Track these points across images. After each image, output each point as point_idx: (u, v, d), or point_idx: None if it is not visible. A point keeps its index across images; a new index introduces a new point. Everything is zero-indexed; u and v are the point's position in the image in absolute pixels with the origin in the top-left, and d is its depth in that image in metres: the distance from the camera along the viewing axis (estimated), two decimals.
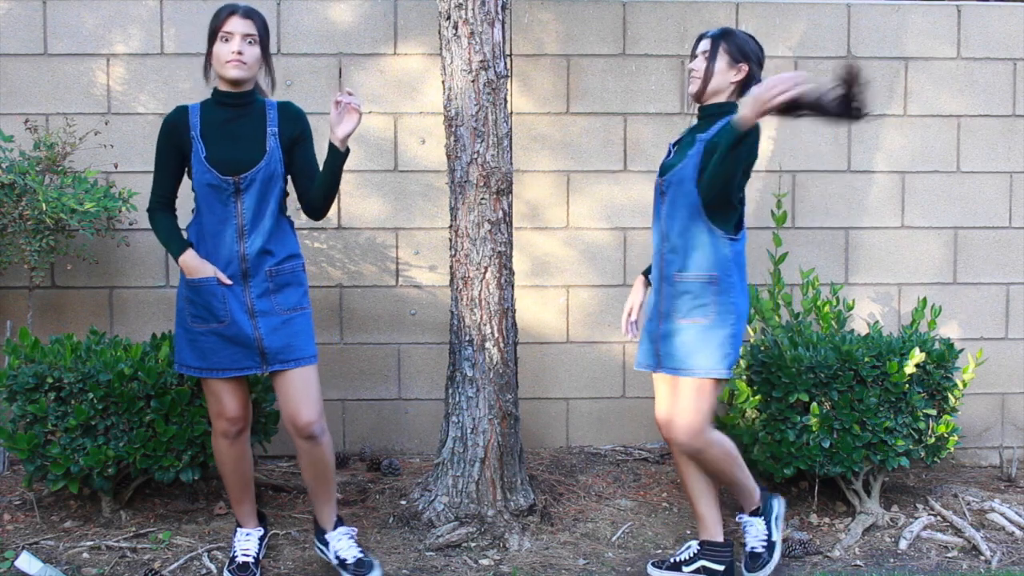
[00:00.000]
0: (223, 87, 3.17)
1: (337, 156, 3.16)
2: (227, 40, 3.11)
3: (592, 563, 3.49)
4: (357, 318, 4.44)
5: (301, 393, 3.17)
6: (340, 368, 4.44)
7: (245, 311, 3.13)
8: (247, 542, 3.32)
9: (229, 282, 3.12)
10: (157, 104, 4.35)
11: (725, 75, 3.15)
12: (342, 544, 3.29)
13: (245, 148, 3.14)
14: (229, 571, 3.27)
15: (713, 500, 3.32)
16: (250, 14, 3.14)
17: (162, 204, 3.24)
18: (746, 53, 3.16)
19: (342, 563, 3.26)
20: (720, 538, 3.30)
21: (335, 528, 3.33)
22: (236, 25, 3.11)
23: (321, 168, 3.22)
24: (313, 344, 3.22)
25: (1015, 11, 4.56)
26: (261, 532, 3.37)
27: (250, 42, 3.12)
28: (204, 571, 3.35)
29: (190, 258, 3.15)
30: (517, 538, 3.56)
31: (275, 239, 3.17)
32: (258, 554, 3.32)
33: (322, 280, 4.40)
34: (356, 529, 3.39)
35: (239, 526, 3.37)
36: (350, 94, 3.13)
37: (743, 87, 3.17)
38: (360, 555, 3.26)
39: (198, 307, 3.14)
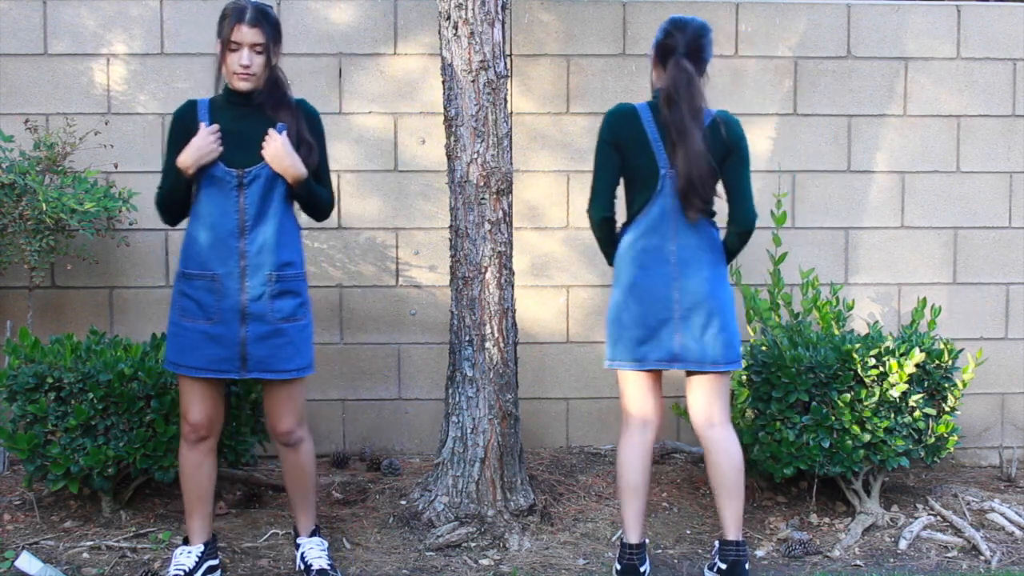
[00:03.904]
0: (233, 87, 3.14)
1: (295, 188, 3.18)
2: (235, 50, 3.06)
3: (592, 563, 3.49)
4: (357, 318, 4.44)
5: (281, 404, 3.19)
6: (340, 368, 4.44)
7: (237, 311, 3.08)
8: (184, 557, 3.19)
9: (214, 132, 3.07)
10: (157, 104, 4.35)
11: None
12: (312, 552, 3.28)
13: (252, 144, 3.11)
14: None
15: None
16: (257, 21, 3.06)
17: None
18: None
19: (307, 568, 3.26)
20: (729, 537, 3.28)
21: (310, 536, 3.33)
22: (244, 35, 3.05)
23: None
24: (302, 358, 3.16)
25: (1015, 11, 4.56)
26: (202, 549, 3.21)
27: (258, 51, 3.07)
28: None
29: (185, 150, 3.08)
30: (517, 538, 3.56)
31: (279, 242, 3.12)
32: (193, 569, 3.18)
33: (322, 280, 4.40)
34: (327, 542, 3.36)
35: (185, 541, 3.26)
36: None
37: None
38: (326, 566, 3.24)
39: (189, 301, 3.10)
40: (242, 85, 3.09)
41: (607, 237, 3.33)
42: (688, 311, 3.16)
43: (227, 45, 3.08)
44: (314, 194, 3.20)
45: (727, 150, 3.15)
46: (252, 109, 3.14)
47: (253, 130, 3.12)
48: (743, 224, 3.19)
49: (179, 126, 3.17)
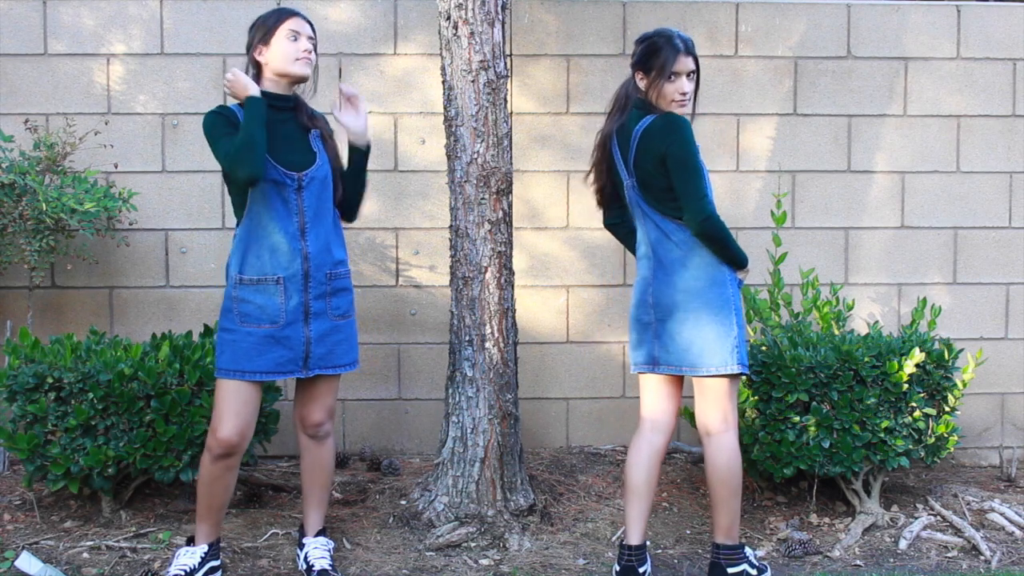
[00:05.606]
0: (273, 89, 3.15)
1: (360, 154, 3.26)
2: (295, 38, 3.11)
3: (592, 563, 3.49)
4: (357, 318, 4.43)
5: (321, 397, 3.27)
6: None
7: (302, 312, 3.13)
8: (186, 557, 3.18)
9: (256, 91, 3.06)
10: (157, 104, 4.35)
11: None
12: (315, 552, 3.29)
13: (298, 149, 3.16)
14: None
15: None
16: (308, 20, 3.18)
17: None
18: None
19: (309, 569, 3.26)
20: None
21: (316, 536, 3.34)
22: (303, 26, 3.14)
23: (346, 169, 3.29)
24: (352, 353, 3.26)
25: (1015, 11, 4.57)
26: (205, 549, 3.19)
27: (312, 44, 3.16)
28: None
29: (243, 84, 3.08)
30: (517, 538, 3.57)
31: (334, 241, 3.20)
32: (195, 569, 3.16)
33: None
34: (334, 544, 3.39)
35: (188, 541, 3.25)
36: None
37: None
38: (328, 567, 3.25)
39: (251, 306, 3.08)
40: (304, 69, 3.14)
41: (621, 241, 3.48)
42: (663, 314, 3.19)
43: (279, 34, 3.11)
44: (366, 172, 3.31)
45: (659, 155, 3.13)
46: (288, 114, 3.19)
47: (295, 134, 3.18)
48: (689, 226, 3.15)
49: (225, 119, 3.08)
